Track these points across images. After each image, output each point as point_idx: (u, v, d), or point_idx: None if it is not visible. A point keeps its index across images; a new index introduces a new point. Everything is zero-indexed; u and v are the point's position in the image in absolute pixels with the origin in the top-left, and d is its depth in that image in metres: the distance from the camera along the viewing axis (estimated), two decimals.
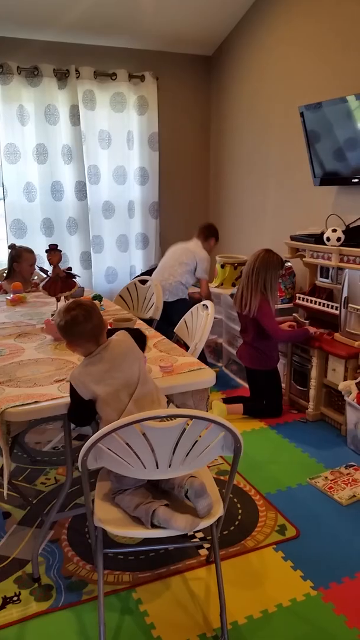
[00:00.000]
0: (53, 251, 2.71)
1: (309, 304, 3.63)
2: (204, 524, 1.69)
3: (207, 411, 2.15)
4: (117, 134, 4.65)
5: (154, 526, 1.66)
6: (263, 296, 3.29)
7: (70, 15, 4.00)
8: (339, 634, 1.83)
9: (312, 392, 3.39)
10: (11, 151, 4.31)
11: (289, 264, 3.90)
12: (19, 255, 3.68)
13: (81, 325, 1.79)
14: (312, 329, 3.37)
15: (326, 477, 2.75)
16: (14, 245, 3.75)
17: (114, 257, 4.90)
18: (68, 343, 1.86)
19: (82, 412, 1.81)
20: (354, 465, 2.86)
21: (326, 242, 3.32)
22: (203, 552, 2.23)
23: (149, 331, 2.72)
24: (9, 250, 3.70)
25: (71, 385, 1.78)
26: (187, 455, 1.61)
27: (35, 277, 3.78)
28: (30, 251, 3.73)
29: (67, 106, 4.41)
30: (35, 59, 4.23)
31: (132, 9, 4.04)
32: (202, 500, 1.71)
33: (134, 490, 1.77)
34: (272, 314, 3.34)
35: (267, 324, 3.28)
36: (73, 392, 1.77)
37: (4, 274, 3.80)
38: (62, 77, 4.34)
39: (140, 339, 1.98)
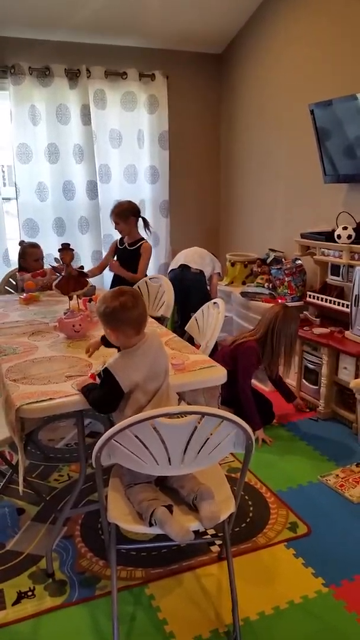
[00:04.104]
0: (65, 250, 2.74)
1: (319, 302, 3.63)
2: (212, 523, 1.69)
3: (218, 408, 2.16)
4: (128, 133, 4.67)
5: (152, 524, 1.66)
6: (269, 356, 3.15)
7: (81, 15, 4.02)
8: (351, 632, 1.84)
9: (323, 390, 3.39)
10: (23, 151, 4.34)
11: (299, 261, 3.90)
12: (24, 252, 3.76)
13: (130, 311, 1.78)
14: (260, 434, 3.10)
15: (337, 475, 2.75)
16: (22, 242, 3.84)
17: None
18: (112, 329, 1.83)
19: (113, 400, 1.80)
20: None
21: (337, 239, 3.32)
22: (215, 548, 2.24)
23: (160, 329, 2.74)
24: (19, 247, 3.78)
25: (111, 375, 1.76)
26: (199, 452, 1.63)
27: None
28: (34, 246, 3.79)
29: (78, 106, 4.43)
30: (47, 59, 4.26)
31: (142, 8, 4.05)
32: (206, 503, 1.70)
33: (143, 485, 1.79)
34: (253, 368, 3.17)
35: (242, 374, 3.11)
36: (112, 381, 1.76)
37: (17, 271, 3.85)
38: (73, 76, 4.36)
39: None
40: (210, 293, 4.24)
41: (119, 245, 3.85)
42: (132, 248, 3.75)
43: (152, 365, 1.82)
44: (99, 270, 3.97)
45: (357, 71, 3.37)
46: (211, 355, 2.45)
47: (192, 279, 4.11)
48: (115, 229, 3.79)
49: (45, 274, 3.61)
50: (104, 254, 4.79)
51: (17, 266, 3.99)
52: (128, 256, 3.75)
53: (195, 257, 4.23)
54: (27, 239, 4.38)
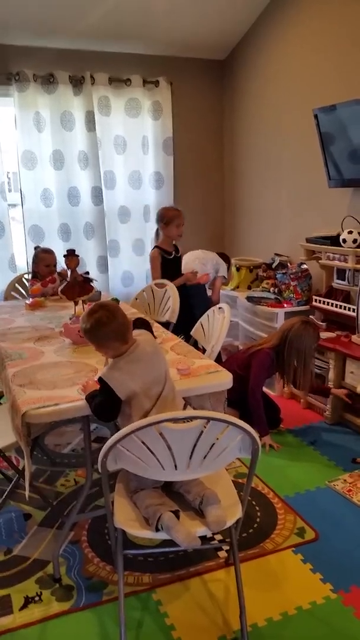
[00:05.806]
0: (71, 256, 2.76)
1: (325, 306, 3.62)
2: (218, 527, 1.68)
3: (224, 413, 2.16)
4: (132, 139, 4.69)
5: (158, 530, 1.67)
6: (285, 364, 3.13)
7: (85, 23, 4.04)
8: None
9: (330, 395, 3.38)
10: (28, 158, 4.36)
11: (304, 266, 3.90)
12: (36, 256, 3.75)
13: (106, 326, 1.81)
14: (267, 439, 3.08)
15: (345, 480, 2.74)
16: (37, 247, 3.85)
17: (130, 261, 4.92)
18: (97, 346, 1.88)
19: (111, 408, 1.80)
20: None
21: (342, 244, 3.32)
22: (222, 554, 2.23)
23: (165, 334, 2.74)
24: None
25: (106, 384, 1.77)
26: (205, 457, 1.62)
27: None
28: (46, 251, 3.78)
29: (83, 112, 4.45)
30: (51, 66, 4.28)
31: (145, 15, 4.08)
32: (212, 508, 1.70)
33: (149, 491, 1.79)
34: (265, 373, 3.16)
35: (254, 378, 3.09)
36: (109, 391, 1.77)
37: (29, 276, 3.86)
38: (77, 83, 4.39)
39: (146, 327, 2.03)
40: (212, 298, 4.20)
41: (167, 256, 3.70)
42: (179, 254, 3.83)
43: (150, 370, 1.83)
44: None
45: None
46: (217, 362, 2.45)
47: (189, 288, 3.88)
48: (180, 235, 3.74)
49: (55, 280, 3.60)
50: (110, 259, 4.81)
51: (23, 272, 4.00)
52: (179, 263, 3.82)
53: (195, 264, 4.13)
54: (32, 245, 4.40)
